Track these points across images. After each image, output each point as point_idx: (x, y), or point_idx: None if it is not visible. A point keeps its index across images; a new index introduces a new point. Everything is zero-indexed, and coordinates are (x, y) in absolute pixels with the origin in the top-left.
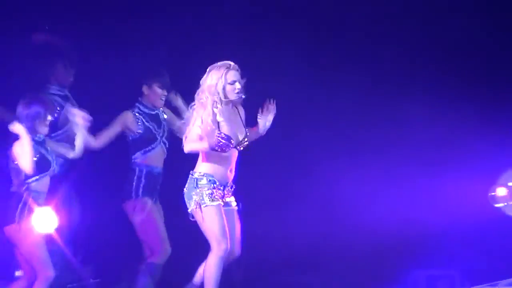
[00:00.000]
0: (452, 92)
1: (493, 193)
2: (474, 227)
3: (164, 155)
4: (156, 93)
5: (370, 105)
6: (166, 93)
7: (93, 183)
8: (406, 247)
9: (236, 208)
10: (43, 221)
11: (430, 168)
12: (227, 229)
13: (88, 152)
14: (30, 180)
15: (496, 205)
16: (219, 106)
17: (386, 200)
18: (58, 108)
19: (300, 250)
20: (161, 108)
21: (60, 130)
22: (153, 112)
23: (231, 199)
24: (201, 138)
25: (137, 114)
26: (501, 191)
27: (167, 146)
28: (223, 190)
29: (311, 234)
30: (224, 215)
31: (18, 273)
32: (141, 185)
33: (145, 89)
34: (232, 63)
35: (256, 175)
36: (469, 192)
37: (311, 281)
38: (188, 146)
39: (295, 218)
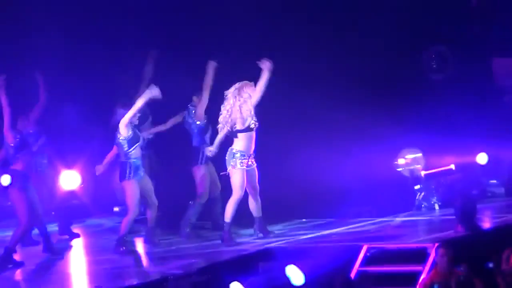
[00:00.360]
0: (369, 94)
1: (396, 162)
2: (383, 181)
3: None
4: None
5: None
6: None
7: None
8: (341, 192)
9: (255, 165)
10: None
11: (357, 144)
12: (244, 184)
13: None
14: (129, 150)
15: (398, 169)
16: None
17: (331, 163)
18: None
19: (291, 192)
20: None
21: None
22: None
23: (252, 162)
24: None
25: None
26: (401, 161)
27: None
28: (248, 159)
29: (298, 181)
30: (245, 176)
31: (115, 209)
32: (204, 156)
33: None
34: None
35: (264, 147)
36: (381, 160)
37: (300, 210)
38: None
39: (287, 173)
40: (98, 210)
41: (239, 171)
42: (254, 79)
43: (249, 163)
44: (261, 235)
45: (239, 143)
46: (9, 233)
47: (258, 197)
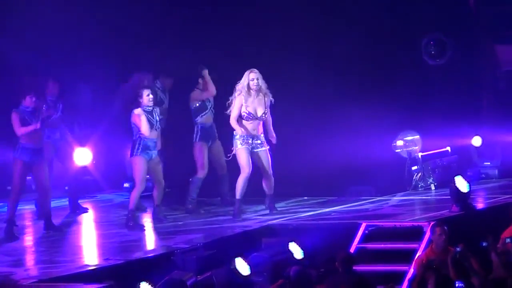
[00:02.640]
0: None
1: (394, 143)
2: (382, 162)
3: (212, 116)
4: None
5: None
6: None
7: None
8: (341, 171)
9: (267, 147)
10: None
11: (356, 126)
12: (250, 161)
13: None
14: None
15: (396, 150)
16: (245, 94)
17: (332, 145)
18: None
19: (293, 172)
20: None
21: None
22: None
23: (258, 144)
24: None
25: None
26: (399, 142)
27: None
28: (252, 140)
29: (300, 161)
30: (248, 154)
31: (126, 185)
32: (198, 135)
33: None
34: (253, 69)
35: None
36: (380, 142)
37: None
38: (231, 118)
39: (289, 154)
40: (109, 186)
41: (240, 150)
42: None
43: (254, 144)
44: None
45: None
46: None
47: (271, 177)
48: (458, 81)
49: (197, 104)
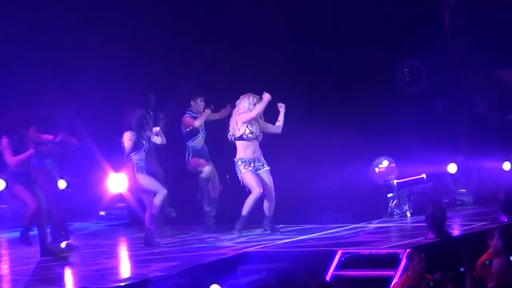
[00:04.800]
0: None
1: (370, 170)
2: (358, 189)
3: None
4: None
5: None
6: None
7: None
8: (317, 199)
9: (269, 168)
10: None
11: (332, 153)
12: (258, 181)
13: None
14: (131, 155)
15: (372, 177)
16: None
17: (307, 172)
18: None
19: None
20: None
21: None
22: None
23: (259, 166)
24: None
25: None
26: (375, 169)
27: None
28: (253, 163)
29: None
30: (254, 175)
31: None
32: (190, 155)
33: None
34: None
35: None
36: (356, 169)
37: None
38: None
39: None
40: (84, 214)
41: (246, 174)
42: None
43: (256, 166)
44: (268, 231)
45: (238, 152)
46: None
47: (273, 198)
48: (433, 108)
49: (189, 129)
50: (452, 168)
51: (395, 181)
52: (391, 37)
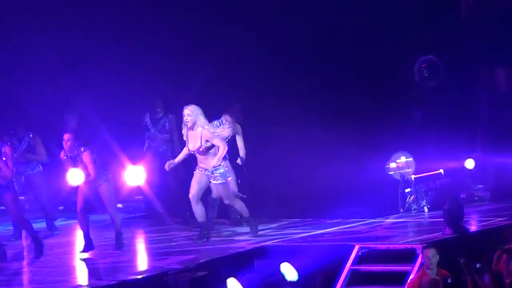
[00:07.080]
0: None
1: (387, 165)
2: (375, 184)
3: None
4: None
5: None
6: None
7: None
8: (335, 193)
9: (218, 181)
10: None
11: (351, 148)
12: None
13: None
14: None
15: (389, 173)
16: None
17: (326, 166)
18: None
19: (287, 193)
20: None
21: None
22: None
23: (215, 176)
24: None
25: None
26: (392, 165)
27: None
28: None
29: (294, 183)
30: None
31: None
32: None
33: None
34: (187, 105)
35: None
36: (374, 164)
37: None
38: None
39: (283, 175)
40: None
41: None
42: None
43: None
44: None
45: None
46: None
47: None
48: (452, 103)
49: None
50: (469, 163)
51: (413, 176)
52: (409, 31)
